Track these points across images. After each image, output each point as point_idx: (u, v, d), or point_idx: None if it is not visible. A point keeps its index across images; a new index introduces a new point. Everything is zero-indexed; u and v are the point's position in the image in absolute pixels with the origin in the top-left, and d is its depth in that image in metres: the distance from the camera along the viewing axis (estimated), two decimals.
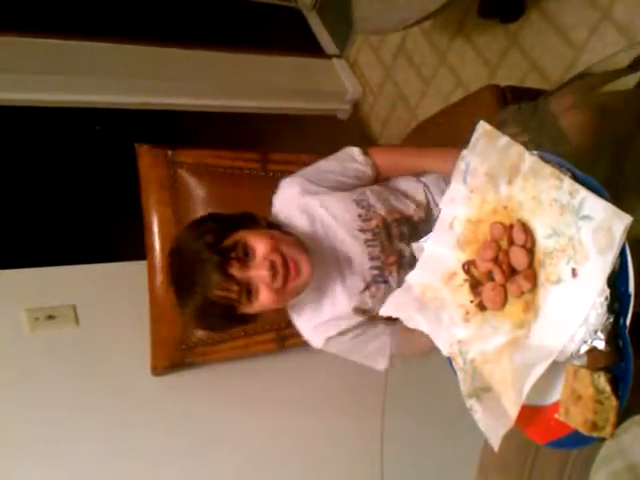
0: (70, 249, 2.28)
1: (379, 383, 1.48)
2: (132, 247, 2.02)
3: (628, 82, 1.18)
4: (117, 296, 2.06)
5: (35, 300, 1.98)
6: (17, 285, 2.00)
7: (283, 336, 1.99)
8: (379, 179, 1.64)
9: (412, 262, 1.42)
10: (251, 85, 3.31)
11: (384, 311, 1.27)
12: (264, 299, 1.36)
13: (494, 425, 1.01)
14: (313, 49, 3.73)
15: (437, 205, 1.63)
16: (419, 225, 1.54)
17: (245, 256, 1.34)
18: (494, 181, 1.06)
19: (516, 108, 1.47)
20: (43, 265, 2.06)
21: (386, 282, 1.48)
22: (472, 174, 1.11)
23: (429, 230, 1.27)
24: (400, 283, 1.42)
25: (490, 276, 1.07)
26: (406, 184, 1.66)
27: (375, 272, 1.49)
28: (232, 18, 3.57)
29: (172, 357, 1.95)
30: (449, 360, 1.15)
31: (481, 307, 1.10)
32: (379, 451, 1.53)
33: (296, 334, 1.95)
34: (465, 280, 1.13)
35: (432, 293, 1.19)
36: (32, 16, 2.83)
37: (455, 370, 1.13)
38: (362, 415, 1.95)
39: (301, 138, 3.58)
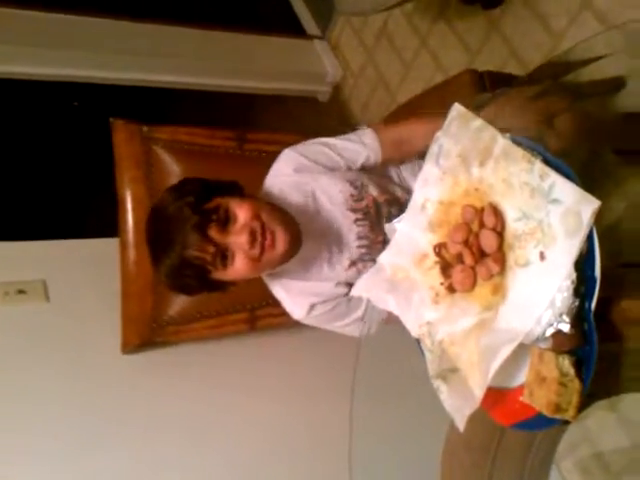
0: (42, 224, 2.25)
1: (348, 366, 1.47)
2: (105, 224, 2.00)
3: (601, 69, 1.18)
4: (88, 273, 2.04)
5: (5, 274, 1.95)
6: None
7: (255, 317, 1.98)
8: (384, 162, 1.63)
9: None
10: (231, 64, 3.27)
11: (355, 291, 1.27)
12: (239, 266, 1.35)
13: (460, 406, 1.02)
14: (294, 29, 3.70)
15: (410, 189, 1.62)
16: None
17: (225, 221, 1.34)
18: (466, 163, 1.06)
19: (494, 94, 1.47)
20: (14, 239, 2.03)
21: (374, 260, 1.42)
22: (445, 156, 1.11)
23: None
24: None
25: (460, 259, 1.08)
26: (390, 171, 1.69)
27: (362, 250, 1.51)
28: None
29: (143, 335, 1.94)
30: (417, 342, 1.15)
31: (451, 289, 1.11)
32: (347, 434, 1.52)
33: (268, 315, 1.97)
34: (436, 262, 1.14)
35: (403, 274, 1.19)
36: None
37: (423, 351, 1.13)
38: (331, 398, 1.93)
39: (281, 119, 3.56)
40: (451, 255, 1.10)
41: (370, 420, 1.56)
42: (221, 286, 1.43)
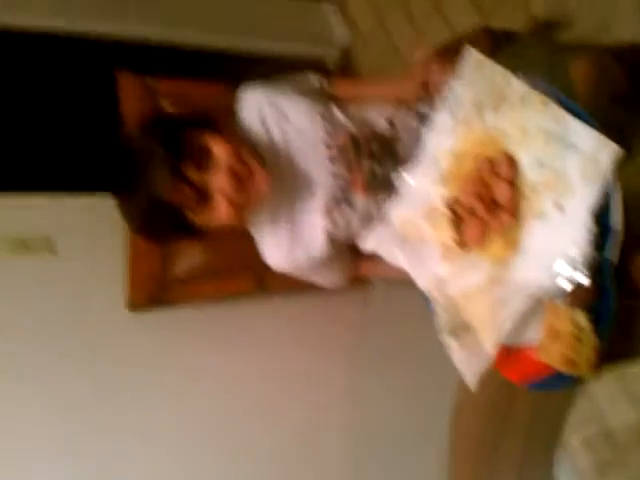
0: (50, 178, 2.21)
1: (355, 323, 1.44)
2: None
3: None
4: (96, 229, 1.97)
5: (10, 227, 1.92)
6: None
7: (263, 277, 1.95)
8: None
9: (384, 184, 1.33)
10: (235, 25, 3.19)
11: (363, 245, 1.24)
12: (219, 210, 1.22)
13: (471, 363, 0.99)
14: None
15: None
16: (392, 143, 1.39)
17: (201, 158, 1.20)
18: (480, 109, 1.02)
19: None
20: (21, 192, 2.00)
21: (350, 204, 1.36)
22: (458, 103, 1.06)
23: (405, 150, 1.25)
24: (368, 207, 1.35)
25: (472, 212, 1.04)
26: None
27: (337, 193, 1.35)
28: None
29: (149, 293, 1.90)
30: (427, 298, 1.12)
31: (462, 244, 1.07)
32: (353, 394, 1.50)
33: (276, 276, 1.93)
34: (447, 216, 1.10)
35: (413, 229, 1.16)
36: None
37: (433, 308, 1.10)
38: (336, 356, 1.93)
39: None
40: (463, 209, 1.06)
41: (376, 382, 1.54)
42: (197, 232, 1.29)
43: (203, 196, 1.21)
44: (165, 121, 1.26)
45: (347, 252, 1.46)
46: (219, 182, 1.20)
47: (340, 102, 1.47)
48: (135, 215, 1.24)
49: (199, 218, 1.24)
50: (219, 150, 1.21)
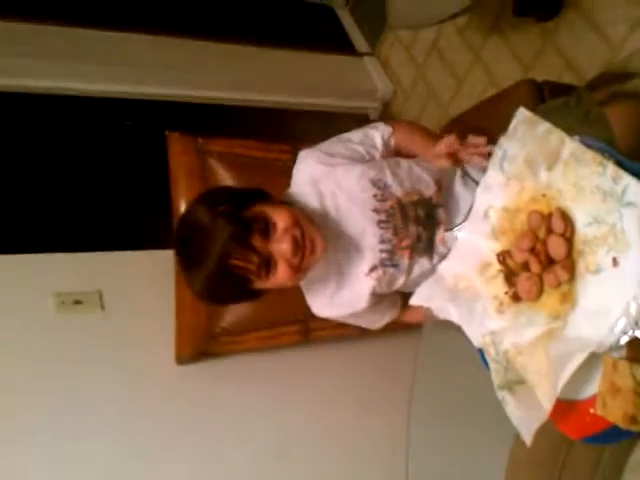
0: (99, 236, 2.29)
1: (406, 378, 1.44)
2: (160, 236, 2.01)
3: None
4: (143, 284, 2.06)
5: (62, 284, 1.99)
6: (46, 269, 2.02)
7: (308, 328, 1.97)
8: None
9: (428, 247, 1.40)
10: (282, 81, 3.29)
11: (414, 300, 1.25)
12: (281, 275, 1.31)
13: (527, 418, 0.99)
14: (345, 47, 3.71)
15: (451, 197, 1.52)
16: (436, 208, 1.43)
17: (266, 229, 1.29)
18: (533, 168, 1.04)
19: (560, 102, 1.44)
20: (72, 250, 2.07)
21: (395, 266, 1.41)
22: (510, 161, 1.08)
23: (446, 215, 1.28)
24: (411, 268, 1.41)
25: (526, 266, 1.05)
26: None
27: (384, 255, 1.41)
28: (265, 14, 3.56)
29: (197, 346, 1.94)
30: (480, 352, 1.12)
31: (516, 298, 1.08)
32: (404, 450, 1.50)
33: (321, 327, 1.96)
34: (499, 271, 1.11)
35: (465, 284, 1.17)
36: (68, 6, 2.88)
37: (487, 362, 1.10)
38: (387, 411, 1.94)
39: (330, 136, 3.55)
40: (516, 263, 1.07)
41: (428, 435, 1.54)
42: (257, 294, 1.38)
43: (268, 263, 1.29)
44: (226, 197, 1.35)
45: (388, 296, 1.51)
46: (282, 249, 1.29)
47: (395, 160, 1.51)
48: (202, 284, 1.31)
49: (262, 282, 1.31)
50: (280, 220, 1.30)
